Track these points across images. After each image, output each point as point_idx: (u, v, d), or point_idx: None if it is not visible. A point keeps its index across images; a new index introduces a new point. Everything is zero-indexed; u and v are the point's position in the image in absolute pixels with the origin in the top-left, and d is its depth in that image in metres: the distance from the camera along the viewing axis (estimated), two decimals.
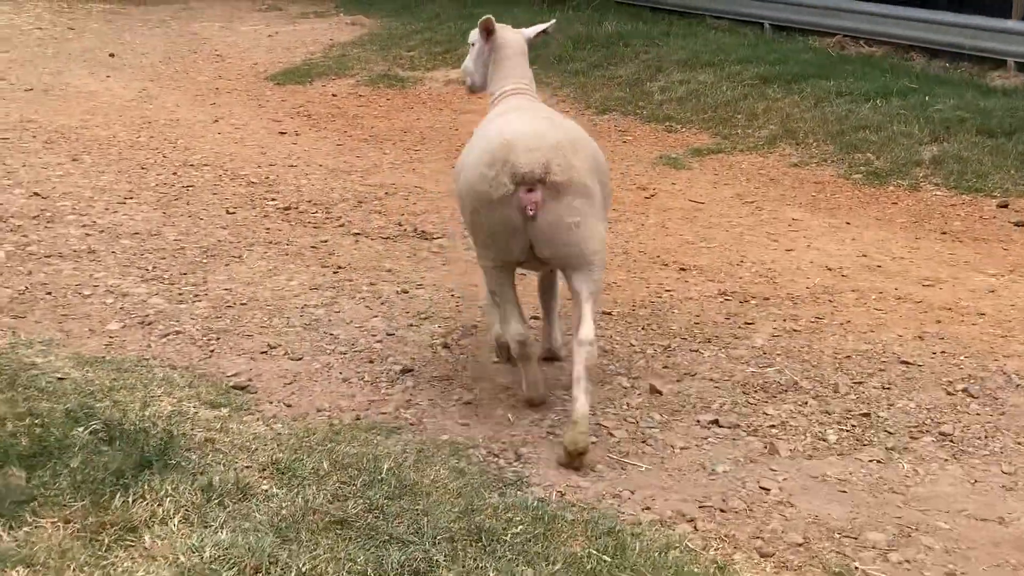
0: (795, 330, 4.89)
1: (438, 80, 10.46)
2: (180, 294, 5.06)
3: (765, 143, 8.27)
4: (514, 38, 4.20)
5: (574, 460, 3.48)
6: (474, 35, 4.27)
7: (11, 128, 8.13)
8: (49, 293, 4.93)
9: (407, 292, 5.30)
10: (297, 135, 8.65)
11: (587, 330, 3.53)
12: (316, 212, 6.63)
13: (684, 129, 8.75)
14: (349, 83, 10.41)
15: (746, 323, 4.97)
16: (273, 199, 6.78)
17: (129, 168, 7.31)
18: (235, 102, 9.68)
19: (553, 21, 4.52)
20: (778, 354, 4.61)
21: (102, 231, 5.93)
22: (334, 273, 5.54)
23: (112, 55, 11.38)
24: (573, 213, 3.51)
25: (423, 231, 6.35)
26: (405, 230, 6.36)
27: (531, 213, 3.45)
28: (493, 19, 4.10)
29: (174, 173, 7.28)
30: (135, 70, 10.82)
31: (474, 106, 9.27)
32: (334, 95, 10.04)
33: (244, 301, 5.03)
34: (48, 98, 9.26)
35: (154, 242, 5.82)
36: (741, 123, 8.73)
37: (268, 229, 6.20)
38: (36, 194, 6.51)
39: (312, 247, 5.93)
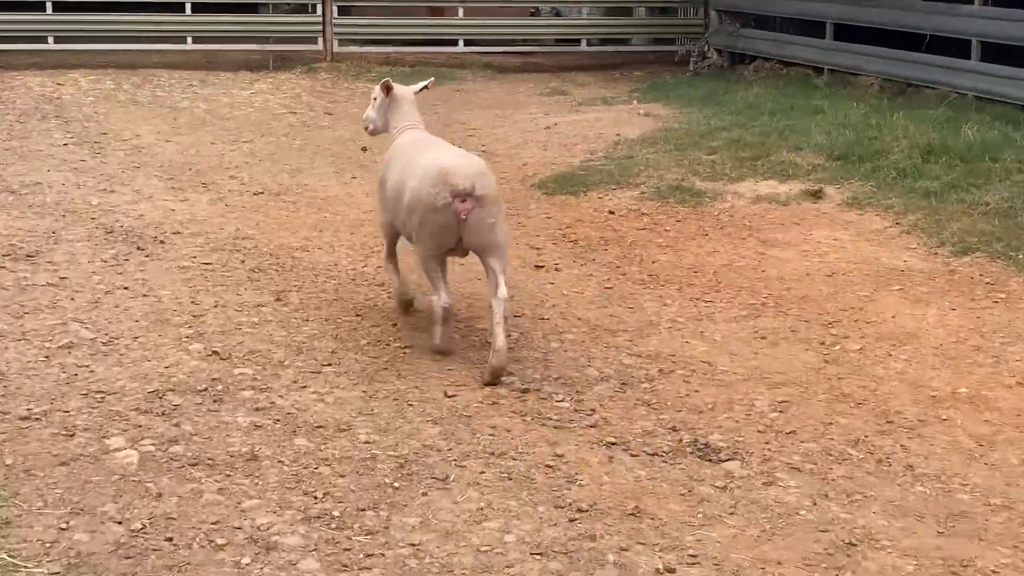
0: None
1: (744, 195, 9.03)
2: (347, 552, 3.86)
3: None
4: (406, 91, 6.27)
5: (497, 378, 5.39)
6: (376, 91, 6.24)
7: (220, 248, 7.41)
8: (170, 539, 3.86)
9: (672, 573, 3.86)
10: (557, 270, 7.45)
11: (503, 290, 5.48)
12: (561, 399, 5.34)
13: None
14: (631, 196, 9.15)
15: None
16: (510, 374, 5.54)
17: (339, 315, 6.32)
18: None
19: (432, 79, 6.65)
20: None
21: (278, 420, 4.88)
22: (570, 521, 4.19)
23: (364, 149, 10.72)
24: (489, 216, 5.47)
25: (705, 444, 4.91)
26: (681, 441, 4.95)
27: (463, 217, 5.36)
28: (391, 80, 6.27)
29: (393, 324, 6.22)
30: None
31: (781, 239, 7.79)
32: (611, 212, 8.80)
33: (435, 572, 3.76)
34: (276, 205, 8.59)
35: (340, 444, 4.69)
36: None
37: (493, 428, 4.95)
38: (215, 353, 5.59)
39: (546, 466, 4.62)
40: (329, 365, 5.58)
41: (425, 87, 6.45)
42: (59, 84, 13.22)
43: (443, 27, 16.32)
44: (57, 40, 14.80)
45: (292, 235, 7.86)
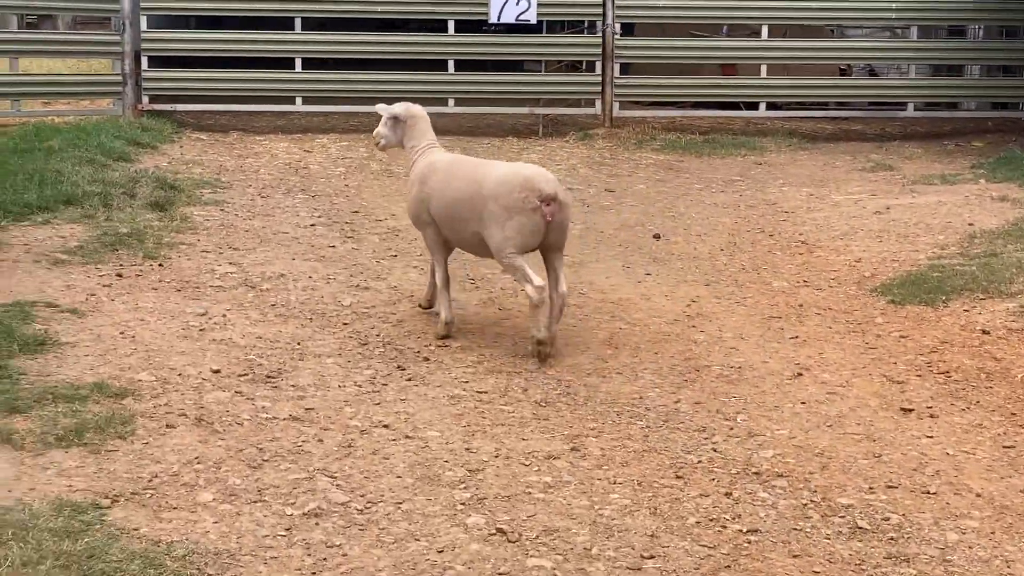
0: None
1: None
2: None
3: None
4: (421, 111, 7.51)
5: (545, 359, 6.66)
6: (385, 112, 7.45)
7: (496, 369, 6.52)
8: None
9: None
10: (931, 416, 6.19)
11: (565, 285, 6.88)
12: None
13: None
14: (1008, 309, 7.72)
15: None
16: None
17: (654, 476, 5.26)
18: (827, 334, 7.48)
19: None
20: None
21: None
22: None
23: (657, 237, 9.76)
24: (568, 219, 6.89)
25: None
26: None
27: (549, 219, 6.62)
28: (404, 104, 7.55)
29: (727, 494, 5.11)
30: (686, 263, 9.09)
31: None
32: (985, 332, 7.42)
33: None
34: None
35: None
36: None
37: None
38: (499, 531, 4.62)
39: None
40: (651, 558, 4.51)
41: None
42: (306, 151, 13.11)
43: (740, 88, 15.28)
44: (306, 100, 14.65)
45: (581, 352, 6.91)
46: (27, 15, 21.06)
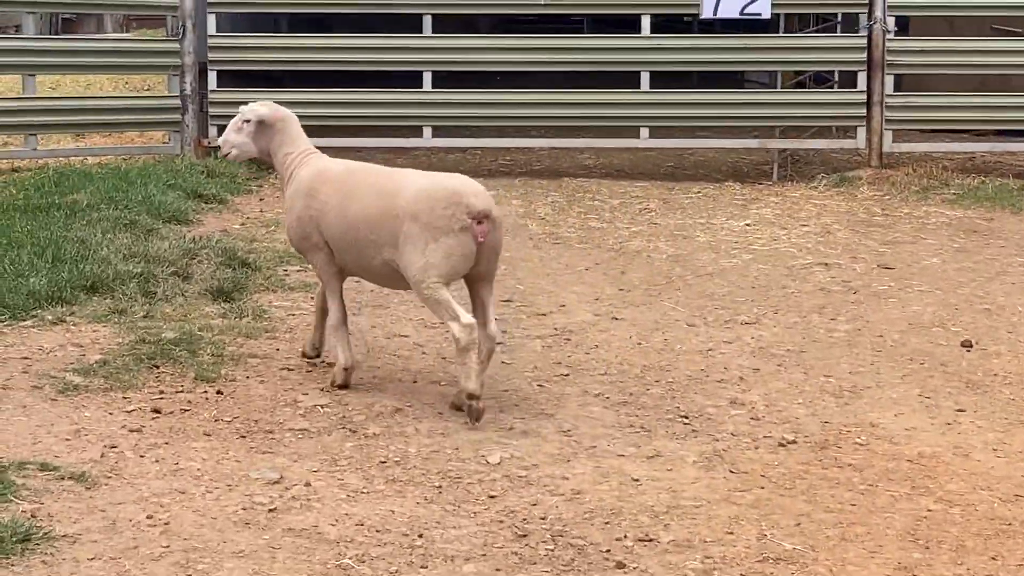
0: None
1: None
2: None
3: None
4: (289, 112, 8.08)
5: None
6: (249, 114, 8.00)
7: None
8: None
9: None
10: None
11: (495, 325, 7.52)
12: None
13: None
14: None
15: None
16: None
17: None
18: None
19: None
20: None
21: None
22: None
23: (968, 345, 9.03)
24: (500, 241, 7.51)
25: None
26: None
27: (481, 239, 7.19)
28: (268, 103, 8.18)
29: None
30: (1018, 390, 8.31)
31: None
32: None
33: None
34: (825, 475, 6.96)
35: None
36: None
37: None
38: None
39: None
40: None
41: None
42: None
43: None
44: (437, 131, 14.71)
45: (871, 557, 5.96)
46: (62, 14, 21.18)
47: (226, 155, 8.14)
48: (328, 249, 7.65)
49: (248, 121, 7.94)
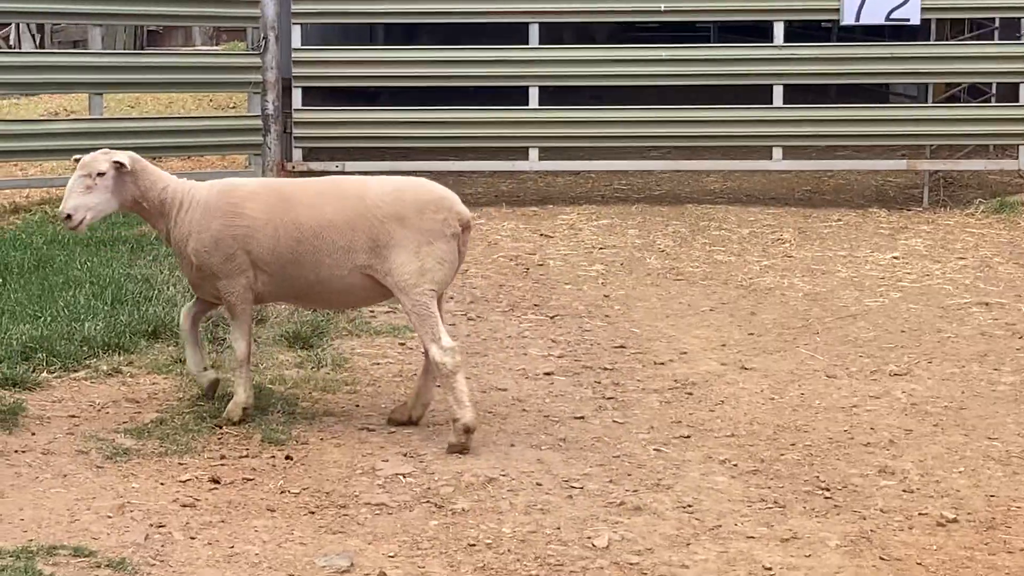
0: None
1: None
2: None
3: None
4: (134, 154, 7.99)
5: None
6: (103, 164, 7.66)
7: None
8: None
9: None
10: None
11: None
12: None
13: None
14: None
15: None
16: None
17: None
18: None
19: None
20: None
21: None
22: None
23: None
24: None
25: None
26: None
27: (462, 250, 7.84)
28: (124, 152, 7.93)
29: None
30: None
31: None
32: None
33: None
34: (983, 562, 6.59)
35: None
36: None
37: None
38: None
39: None
40: None
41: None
42: (544, 235, 13.30)
43: None
44: (545, 154, 14.69)
45: None
46: (147, 26, 21.26)
47: (78, 224, 7.63)
48: (255, 271, 7.68)
49: (102, 174, 7.57)
